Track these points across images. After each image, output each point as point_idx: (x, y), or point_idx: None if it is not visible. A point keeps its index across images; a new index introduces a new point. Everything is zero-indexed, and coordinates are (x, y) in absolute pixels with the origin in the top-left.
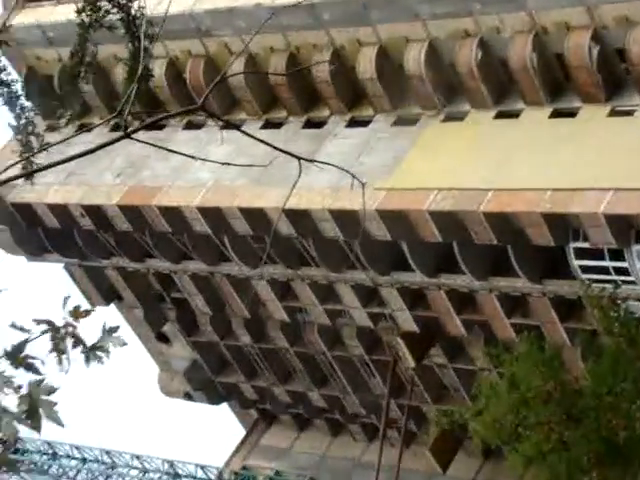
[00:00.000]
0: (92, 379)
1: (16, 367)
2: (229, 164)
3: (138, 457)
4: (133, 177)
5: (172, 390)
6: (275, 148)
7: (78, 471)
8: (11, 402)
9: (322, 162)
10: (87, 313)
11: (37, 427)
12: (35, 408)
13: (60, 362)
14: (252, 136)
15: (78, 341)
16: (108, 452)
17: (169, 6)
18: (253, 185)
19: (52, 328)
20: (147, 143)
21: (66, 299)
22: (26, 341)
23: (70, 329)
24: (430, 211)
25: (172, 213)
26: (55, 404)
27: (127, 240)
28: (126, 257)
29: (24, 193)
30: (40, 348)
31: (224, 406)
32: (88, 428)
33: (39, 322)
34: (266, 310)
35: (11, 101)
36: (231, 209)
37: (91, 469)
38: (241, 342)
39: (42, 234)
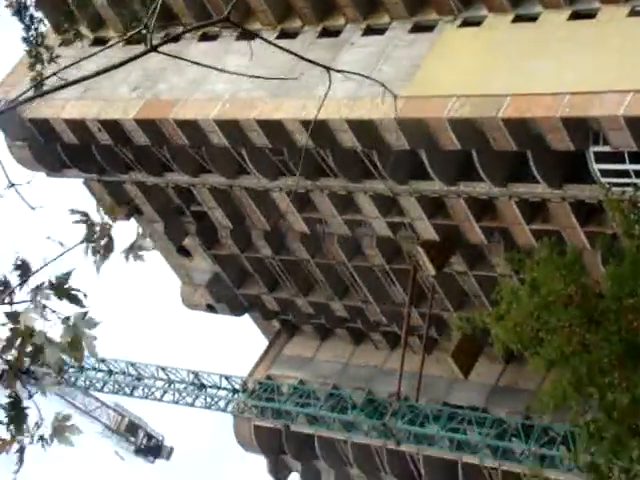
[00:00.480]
0: (116, 293)
1: (60, 298)
2: (255, 77)
3: (163, 369)
4: (150, 91)
5: (194, 302)
6: (301, 57)
7: (105, 383)
8: (55, 333)
9: (348, 72)
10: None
11: (79, 359)
12: (78, 340)
13: (94, 261)
14: (277, 45)
15: (110, 244)
16: (133, 364)
17: None
18: (270, 97)
19: (87, 221)
20: (172, 56)
21: (99, 204)
22: (70, 273)
23: (107, 227)
24: (449, 119)
25: (190, 126)
26: (95, 339)
27: (145, 154)
28: (145, 171)
29: (41, 108)
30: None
31: (246, 317)
32: (113, 341)
33: (74, 212)
34: (286, 222)
35: (20, 12)
36: (249, 121)
37: (117, 381)
38: (262, 254)
39: (60, 150)
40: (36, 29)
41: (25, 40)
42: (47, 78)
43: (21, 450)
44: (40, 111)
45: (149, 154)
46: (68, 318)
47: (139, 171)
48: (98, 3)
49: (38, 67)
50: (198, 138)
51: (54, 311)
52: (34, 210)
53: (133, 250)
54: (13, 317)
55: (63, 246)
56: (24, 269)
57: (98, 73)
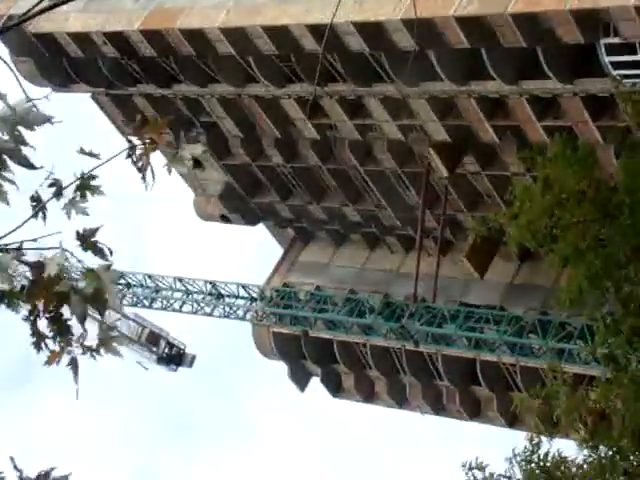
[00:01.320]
0: (130, 205)
1: (85, 250)
2: None
3: (180, 280)
4: (153, 1)
5: (208, 213)
6: None
7: (123, 296)
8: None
9: None
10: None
11: (101, 311)
12: (102, 292)
13: (143, 177)
14: None
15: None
16: (150, 276)
17: None
18: (275, 3)
19: (130, 146)
20: None
21: (139, 118)
22: (97, 229)
23: (149, 143)
24: (456, 16)
25: (195, 35)
26: (119, 291)
27: (152, 66)
28: (152, 83)
29: (44, 22)
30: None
31: (260, 226)
32: (130, 255)
33: (83, 152)
34: (296, 129)
35: None
36: (254, 28)
37: (136, 293)
38: (273, 162)
39: (66, 64)
40: None
41: None
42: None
43: (73, 361)
44: (43, 25)
45: (156, 66)
46: (92, 270)
47: (147, 83)
48: None
49: None
50: (204, 47)
51: (80, 260)
52: (53, 125)
53: (176, 160)
54: (37, 267)
55: (99, 158)
56: (58, 187)
57: None
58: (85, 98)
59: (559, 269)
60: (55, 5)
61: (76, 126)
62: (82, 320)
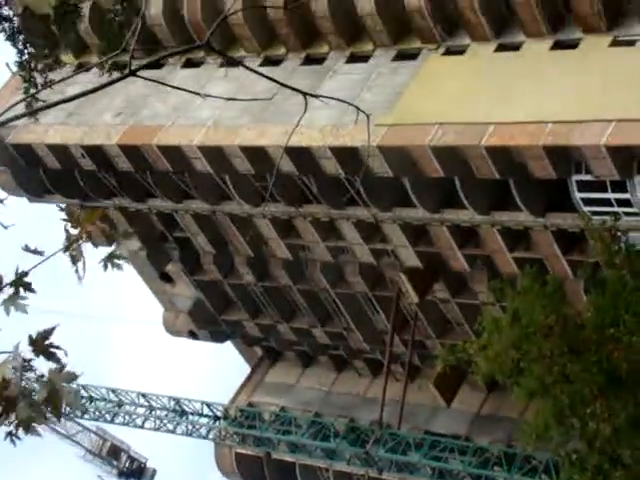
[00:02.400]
0: (97, 317)
1: (37, 355)
2: (234, 99)
3: (144, 395)
4: (133, 116)
5: (177, 329)
6: (280, 84)
7: (86, 410)
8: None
9: (326, 97)
10: (99, 214)
11: (57, 414)
12: (55, 397)
13: (77, 271)
14: (257, 72)
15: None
16: (114, 390)
17: None
18: (254, 123)
19: (67, 235)
20: (153, 80)
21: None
22: (53, 329)
23: (84, 236)
24: (432, 146)
25: (173, 152)
26: (78, 391)
27: (128, 180)
28: (128, 197)
29: (24, 134)
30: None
31: (228, 344)
32: (94, 368)
33: (28, 249)
34: (269, 248)
35: (14, 36)
36: (232, 147)
37: (98, 407)
38: (244, 280)
39: (43, 175)
40: (29, 53)
41: (19, 64)
42: (28, 98)
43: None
44: (22, 136)
45: (132, 180)
46: (42, 376)
47: (122, 197)
48: (82, 29)
49: (32, 91)
50: (181, 164)
51: (31, 367)
52: (6, 229)
53: (111, 259)
54: None
55: (42, 255)
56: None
57: (79, 95)
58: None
59: (526, 402)
60: (29, 113)
61: (46, 234)
62: (26, 426)
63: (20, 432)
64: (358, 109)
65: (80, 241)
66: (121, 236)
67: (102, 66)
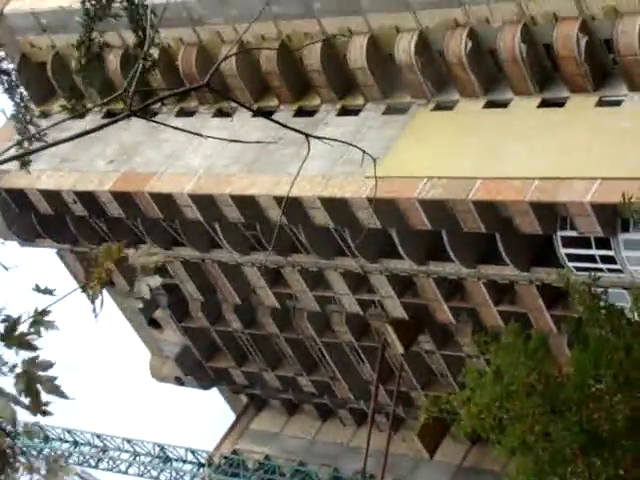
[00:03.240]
0: (84, 362)
1: (9, 347)
2: (236, 141)
3: (129, 441)
4: (125, 164)
5: (163, 375)
6: (282, 124)
7: (70, 454)
8: (8, 383)
9: (328, 138)
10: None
11: (37, 405)
12: (33, 385)
13: (94, 310)
14: (257, 112)
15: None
16: (99, 436)
17: None
18: (244, 172)
19: (86, 275)
20: (153, 120)
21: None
22: (18, 318)
23: (104, 275)
24: (420, 199)
25: (164, 200)
26: (55, 378)
27: (119, 226)
28: (118, 243)
29: (16, 179)
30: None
31: (214, 391)
32: (79, 412)
33: (39, 289)
34: (257, 296)
35: (11, 89)
36: (223, 196)
37: (83, 452)
38: (232, 328)
39: (34, 219)
40: (25, 107)
41: (15, 118)
42: (27, 151)
43: None
44: (15, 181)
45: (123, 226)
46: (15, 366)
47: (112, 243)
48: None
49: (26, 144)
50: (172, 212)
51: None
52: (7, 270)
53: (131, 294)
54: None
55: (53, 294)
56: (11, 323)
57: (71, 138)
58: (50, 252)
59: (508, 457)
60: (20, 159)
61: (38, 277)
62: (12, 424)
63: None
64: (364, 152)
65: (100, 280)
66: (141, 272)
67: (101, 103)
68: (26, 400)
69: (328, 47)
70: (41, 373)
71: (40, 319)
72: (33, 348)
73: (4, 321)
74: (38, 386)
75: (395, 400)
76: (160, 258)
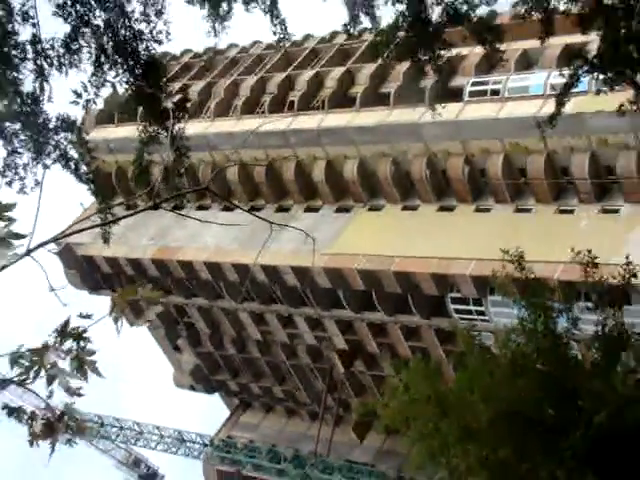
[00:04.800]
0: (128, 371)
1: (65, 340)
2: (232, 225)
3: (158, 427)
4: (161, 240)
5: (182, 383)
6: (259, 217)
7: (117, 435)
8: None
9: (285, 225)
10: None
11: (85, 378)
12: (82, 366)
13: (117, 329)
14: (247, 211)
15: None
16: (138, 423)
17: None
18: (241, 248)
19: (112, 304)
20: (178, 213)
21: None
22: (68, 320)
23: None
24: (357, 269)
25: (187, 266)
26: (95, 362)
27: (155, 283)
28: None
29: (89, 248)
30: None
31: (216, 395)
32: (125, 407)
33: (82, 316)
34: (246, 332)
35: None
36: (225, 264)
37: (126, 434)
38: (229, 353)
39: (99, 276)
40: (105, 201)
41: (99, 210)
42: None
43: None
44: (87, 250)
45: (158, 282)
46: (70, 351)
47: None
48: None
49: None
50: (192, 273)
51: (66, 352)
52: (65, 306)
53: (141, 319)
54: (39, 354)
55: (91, 318)
56: (62, 333)
57: (120, 218)
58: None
59: (411, 444)
60: (83, 229)
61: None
62: (71, 392)
63: (75, 439)
64: (307, 234)
65: (121, 309)
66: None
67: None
68: (74, 377)
69: (299, 166)
70: (87, 358)
71: (81, 337)
72: (83, 339)
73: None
74: (85, 367)
75: (337, 404)
76: (160, 294)
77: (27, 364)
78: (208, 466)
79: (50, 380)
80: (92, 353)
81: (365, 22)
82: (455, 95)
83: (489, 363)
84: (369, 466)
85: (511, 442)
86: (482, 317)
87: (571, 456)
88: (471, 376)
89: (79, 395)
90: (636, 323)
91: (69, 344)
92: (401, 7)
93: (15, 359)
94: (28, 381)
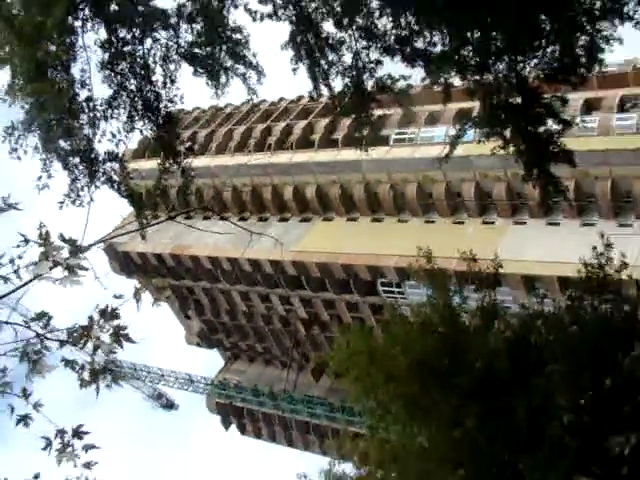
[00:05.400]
0: (152, 333)
1: (105, 320)
2: (220, 232)
3: (174, 371)
4: (177, 240)
5: (190, 342)
6: (241, 227)
7: (145, 377)
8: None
9: (262, 234)
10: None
11: (121, 346)
12: (118, 338)
13: (138, 307)
14: (233, 223)
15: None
16: (160, 369)
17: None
18: (233, 247)
19: (136, 289)
20: (186, 224)
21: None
22: (107, 305)
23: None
24: (315, 262)
25: (194, 258)
26: (127, 334)
27: (172, 270)
28: (173, 279)
29: (126, 246)
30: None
31: (215, 350)
32: (150, 357)
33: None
34: (239, 306)
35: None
36: (222, 258)
37: (152, 377)
38: (224, 320)
39: (133, 266)
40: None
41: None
42: (139, 229)
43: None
44: (125, 247)
45: (173, 270)
46: (108, 330)
47: (169, 278)
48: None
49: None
50: (197, 264)
51: (106, 328)
52: (106, 289)
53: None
54: (87, 329)
55: (122, 298)
56: (103, 313)
57: (149, 225)
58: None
59: (351, 384)
60: (127, 232)
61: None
62: (108, 353)
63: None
64: (276, 240)
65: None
66: (160, 288)
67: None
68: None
69: (274, 189)
70: (122, 332)
71: (113, 314)
72: (118, 317)
73: (102, 313)
74: (120, 338)
75: (300, 356)
76: (167, 283)
77: (77, 335)
78: (210, 399)
79: (95, 349)
80: (124, 328)
81: (323, 90)
82: (384, 141)
83: (406, 327)
84: (322, 399)
85: (420, 383)
86: (402, 296)
87: (459, 393)
88: (393, 336)
89: (114, 353)
90: (504, 299)
91: (108, 323)
92: (346, 80)
93: (70, 332)
94: (79, 346)
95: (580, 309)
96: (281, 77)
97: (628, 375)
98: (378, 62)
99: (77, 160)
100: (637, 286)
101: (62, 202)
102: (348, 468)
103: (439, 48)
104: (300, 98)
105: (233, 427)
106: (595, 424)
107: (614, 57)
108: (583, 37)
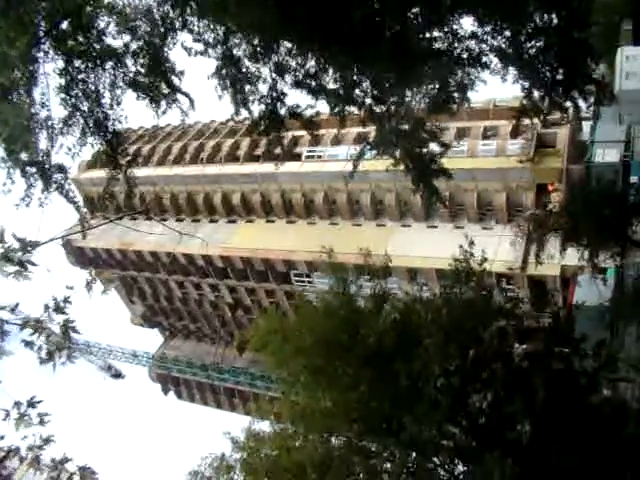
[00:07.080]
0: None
1: (57, 313)
2: (155, 234)
3: (122, 348)
4: (123, 237)
5: (135, 322)
6: (172, 229)
7: (97, 352)
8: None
9: (190, 235)
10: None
11: (69, 338)
12: (67, 330)
13: (89, 294)
14: (167, 226)
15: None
16: (110, 345)
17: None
18: (171, 243)
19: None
20: (127, 227)
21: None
22: (66, 300)
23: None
24: (240, 256)
25: (138, 253)
26: (75, 326)
27: (120, 263)
28: (130, 271)
29: (80, 242)
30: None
31: (155, 330)
32: (101, 336)
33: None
34: (173, 292)
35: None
36: (161, 252)
37: (102, 351)
38: (163, 305)
39: (86, 259)
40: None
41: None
42: (84, 230)
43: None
44: (80, 243)
45: (121, 263)
46: (59, 323)
47: (123, 270)
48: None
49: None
50: (140, 257)
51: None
52: (49, 272)
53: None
54: (38, 322)
55: (73, 289)
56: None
57: (97, 225)
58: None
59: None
60: (80, 231)
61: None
62: (68, 338)
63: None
64: (202, 239)
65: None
66: (108, 280)
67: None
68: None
69: (206, 196)
70: (70, 324)
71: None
72: (64, 312)
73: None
74: (69, 330)
75: (227, 334)
76: (112, 276)
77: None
78: (151, 370)
79: (47, 337)
80: (72, 322)
81: (244, 113)
82: (297, 157)
83: (313, 310)
84: (245, 369)
85: (324, 355)
86: (311, 285)
87: (355, 363)
88: (302, 317)
89: (64, 348)
90: (392, 287)
91: (57, 316)
92: (262, 107)
93: (24, 325)
94: (35, 335)
95: (450, 295)
96: (214, 100)
97: (487, 346)
98: (283, 94)
99: (34, 170)
100: (494, 276)
101: (18, 205)
102: (265, 426)
103: (338, 84)
104: (229, 120)
105: (171, 393)
106: (461, 385)
107: (480, 96)
108: (456, 78)
